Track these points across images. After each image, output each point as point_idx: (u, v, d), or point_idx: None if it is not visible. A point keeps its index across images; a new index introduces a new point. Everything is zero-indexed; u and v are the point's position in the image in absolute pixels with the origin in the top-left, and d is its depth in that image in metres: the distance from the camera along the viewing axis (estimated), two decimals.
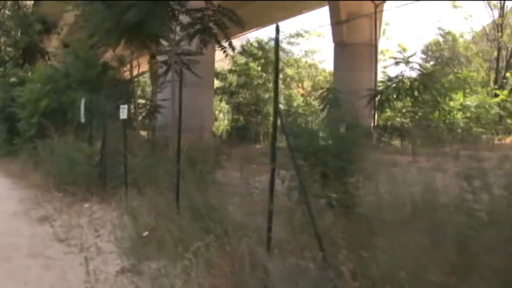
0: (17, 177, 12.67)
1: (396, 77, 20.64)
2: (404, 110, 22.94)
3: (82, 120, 11.01)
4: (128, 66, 15.73)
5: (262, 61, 33.47)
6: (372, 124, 23.10)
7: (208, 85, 19.94)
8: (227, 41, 11.04)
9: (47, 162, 11.02)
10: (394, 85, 20.59)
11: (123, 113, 7.53)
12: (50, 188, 10.05)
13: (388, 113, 22.13)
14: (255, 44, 34.55)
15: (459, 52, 29.29)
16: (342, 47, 24.27)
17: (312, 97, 36.38)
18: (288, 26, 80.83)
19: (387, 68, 27.50)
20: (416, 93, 20.01)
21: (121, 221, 6.86)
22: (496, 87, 24.48)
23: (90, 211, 8.13)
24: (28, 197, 9.83)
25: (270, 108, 35.59)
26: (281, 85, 35.25)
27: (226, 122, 38.19)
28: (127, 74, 17.75)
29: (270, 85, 34.35)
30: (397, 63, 21.30)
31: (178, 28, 11.81)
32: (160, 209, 6.14)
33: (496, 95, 23.21)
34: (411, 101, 20.50)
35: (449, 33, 28.49)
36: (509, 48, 25.35)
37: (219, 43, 11.11)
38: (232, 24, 10.75)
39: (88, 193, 9.28)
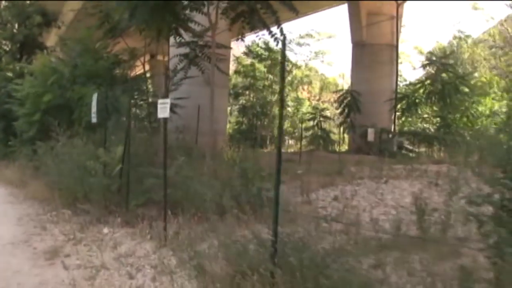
0: (14, 186, 10.44)
1: (426, 79, 18.63)
2: (425, 116, 21.18)
3: (94, 119, 8.78)
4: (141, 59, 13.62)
5: (269, 62, 31.55)
6: (392, 129, 21.21)
7: (223, 85, 17.93)
8: (278, 26, 8.92)
9: (51, 169, 8.78)
10: (423, 87, 18.59)
11: (164, 111, 5.37)
12: (55, 203, 7.85)
13: (413, 118, 20.09)
14: (262, 45, 32.40)
15: (474, 55, 27.43)
16: (361, 48, 22.37)
17: (321, 100, 34.49)
18: (298, 25, 79.14)
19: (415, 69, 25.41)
20: (447, 97, 18.03)
21: (167, 263, 4.73)
22: None
23: (113, 240, 5.94)
24: (28, 215, 7.64)
25: (277, 111, 33.97)
26: (288, 88, 33.33)
27: (228, 125, 36.05)
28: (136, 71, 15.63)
29: (277, 87, 32.39)
30: (430, 64, 19.30)
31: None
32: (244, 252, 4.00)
33: None
34: (440, 106, 18.52)
35: (468, 36, 26.72)
36: None
37: (268, 28, 9.00)
38: (285, 7, 8.68)
39: (106, 212, 7.13)
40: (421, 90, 18.75)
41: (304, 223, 5.96)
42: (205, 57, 12.28)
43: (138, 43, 14.00)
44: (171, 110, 13.93)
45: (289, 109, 33.38)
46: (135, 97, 10.81)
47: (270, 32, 8.99)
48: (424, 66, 19.86)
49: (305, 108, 32.89)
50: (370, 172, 10.43)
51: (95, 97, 8.85)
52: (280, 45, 9.48)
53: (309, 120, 20.95)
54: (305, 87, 35.39)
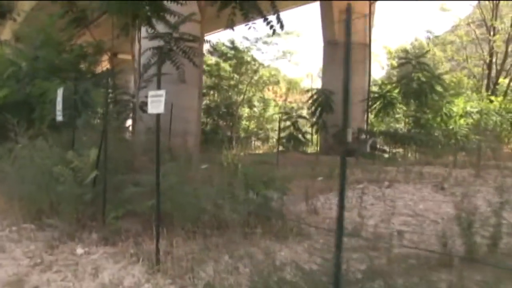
0: None
1: (402, 78, 18.06)
2: (396, 116, 20.66)
3: (59, 117, 7.52)
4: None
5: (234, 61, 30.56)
6: (365, 129, 20.61)
7: (195, 83, 16.85)
8: (275, 13, 7.92)
9: (9, 176, 7.45)
10: (398, 87, 18.00)
11: (157, 105, 4.27)
12: (15, 216, 6.55)
13: (389, 118, 19.51)
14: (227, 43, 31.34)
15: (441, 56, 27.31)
16: (333, 46, 21.69)
17: (287, 101, 33.71)
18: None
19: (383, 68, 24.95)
20: (423, 96, 17.49)
21: None
22: (489, 93, 22.44)
23: (91, 263, 4.77)
24: None
25: (243, 111, 33.01)
26: (254, 88, 32.38)
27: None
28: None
29: (243, 87, 31.40)
30: (406, 63, 18.74)
31: None
32: None
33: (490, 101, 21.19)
34: (416, 105, 17.98)
35: (437, 36, 26.50)
36: (497, 53, 23.48)
37: (263, 16, 8.00)
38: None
39: (79, 226, 5.93)
40: (397, 90, 18.15)
41: (321, 238, 5.04)
42: (181, 51, 11.19)
43: (105, 36, 12.71)
44: (141, 109, 12.81)
45: (255, 109, 32.52)
46: (110, 92, 9.57)
47: (266, 20, 8.00)
48: (400, 65, 19.30)
49: (272, 108, 32.08)
50: (362, 175, 9.63)
51: (60, 92, 7.58)
52: (280, 30, 8.44)
53: (285, 120, 20.01)
54: (271, 87, 34.57)
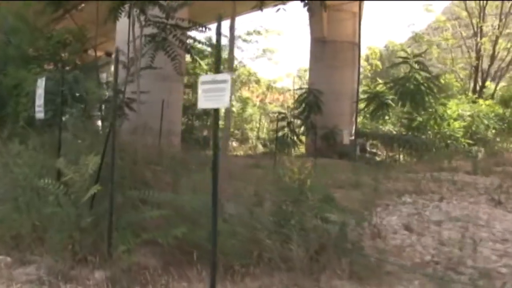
0: None
1: (401, 78, 16.89)
2: (387, 118, 19.52)
3: (40, 114, 5.82)
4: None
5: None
6: (354, 131, 19.43)
7: (178, 79, 15.30)
8: None
9: None
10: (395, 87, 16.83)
11: (218, 97, 2.73)
12: None
13: (384, 119, 18.34)
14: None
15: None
16: (322, 44, 20.37)
17: (267, 101, 32.23)
18: (245, 21, 76.06)
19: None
20: (419, 97, 16.39)
21: None
22: (476, 95, 21.64)
23: None
24: None
25: (220, 111, 31.23)
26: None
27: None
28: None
29: None
30: (403, 62, 17.62)
31: None
32: None
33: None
34: (411, 107, 16.84)
35: (421, 37, 25.56)
36: (483, 56, 22.75)
37: None
38: None
39: (75, 262, 4.31)
40: (393, 91, 16.99)
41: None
42: (178, 41, 9.60)
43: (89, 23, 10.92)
44: (128, 106, 11.10)
45: (233, 109, 30.94)
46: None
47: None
48: (396, 64, 18.16)
49: (250, 108, 30.60)
50: (390, 184, 8.29)
51: (42, 83, 5.88)
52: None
53: (280, 120, 18.54)
54: (248, 87, 33.12)
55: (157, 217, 4.06)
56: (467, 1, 22.49)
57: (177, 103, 15.93)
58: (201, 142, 28.25)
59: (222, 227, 3.99)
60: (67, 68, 8.88)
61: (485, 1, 21.73)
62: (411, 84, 16.29)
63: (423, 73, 16.54)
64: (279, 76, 33.08)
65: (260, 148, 26.28)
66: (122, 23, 10.73)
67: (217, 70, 2.89)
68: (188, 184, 4.79)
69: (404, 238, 4.89)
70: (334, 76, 19.55)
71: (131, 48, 9.93)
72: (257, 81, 30.75)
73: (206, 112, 29.17)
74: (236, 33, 28.63)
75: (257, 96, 34.57)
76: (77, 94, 6.36)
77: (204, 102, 2.87)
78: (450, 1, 24.19)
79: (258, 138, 29.79)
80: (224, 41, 28.47)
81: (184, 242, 4.13)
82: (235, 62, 29.64)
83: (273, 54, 29.06)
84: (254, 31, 28.10)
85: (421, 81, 16.22)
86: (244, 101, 30.76)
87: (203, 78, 2.90)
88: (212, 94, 2.78)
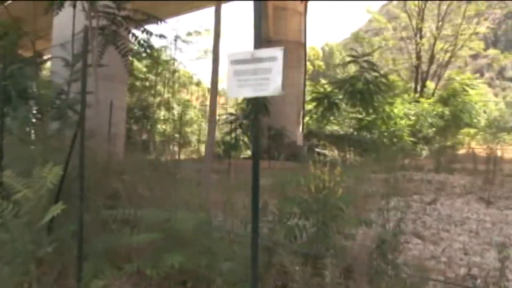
0: None
1: (351, 78, 16.63)
2: (332, 118, 19.26)
3: None
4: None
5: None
6: (301, 131, 19.06)
7: (122, 79, 14.23)
8: None
9: None
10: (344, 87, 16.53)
11: (267, 83, 1.95)
12: None
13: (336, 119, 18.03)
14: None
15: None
16: (267, 44, 19.80)
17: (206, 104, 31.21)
18: (185, 22, 73.30)
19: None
20: (368, 97, 16.21)
21: None
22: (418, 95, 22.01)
23: None
24: None
25: (159, 114, 29.99)
26: (171, 89, 29.60)
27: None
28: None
29: (160, 87, 28.52)
30: (353, 61, 17.36)
31: None
32: None
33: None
34: (362, 106, 16.64)
35: (363, 38, 25.68)
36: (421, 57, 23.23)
37: None
38: None
39: None
40: (342, 90, 16.70)
41: None
42: (131, 35, 8.63)
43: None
44: (72, 108, 9.89)
45: (174, 112, 29.72)
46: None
47: None
48: (347, 63, 17.91)
49: (192, 111, 29.51)
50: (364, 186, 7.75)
51: None
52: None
53: (231, 122, 17.71)
54: (187, 89, 31.98)
55: (148, 242, 3.16)
56: (407, 1, 22.82)
57: (121, 105, 14.73)
58: (141, 146, 26.84)
59: (229, 250, 3.18)
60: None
61: (424, 2, 22.13)
62: (360, 84, 16.08)
63: (373, 73, 16.39)
64: (221, 77, 32.11)
65: (203, 152, 25.34)
66: (61, 16, 9.58)
67: (257, 44, 2.11)
68: (170, 198, 3.91)
69: (420, 248, 4.30)
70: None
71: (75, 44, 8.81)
72: (198, 83, 29.69)
73: (145, 115, 27.94)
74: (176, 33, 27.61)
75: (197, 99, 33.53)
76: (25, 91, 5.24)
77: (237, 89, 2.06)
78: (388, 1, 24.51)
79: (199, 141, 28.89)
80: (164, 42, 27.28)
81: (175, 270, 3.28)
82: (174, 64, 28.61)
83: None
84: (194, 31, 27.12)
85: (371, 81, 16.04)
86: (184, 104, 29.67)
87: (233, 56, 2.10)
88: (252, 78, 1.99)
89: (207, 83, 31.78)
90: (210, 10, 24.82)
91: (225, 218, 3.78)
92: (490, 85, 55.97)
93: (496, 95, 54.48)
